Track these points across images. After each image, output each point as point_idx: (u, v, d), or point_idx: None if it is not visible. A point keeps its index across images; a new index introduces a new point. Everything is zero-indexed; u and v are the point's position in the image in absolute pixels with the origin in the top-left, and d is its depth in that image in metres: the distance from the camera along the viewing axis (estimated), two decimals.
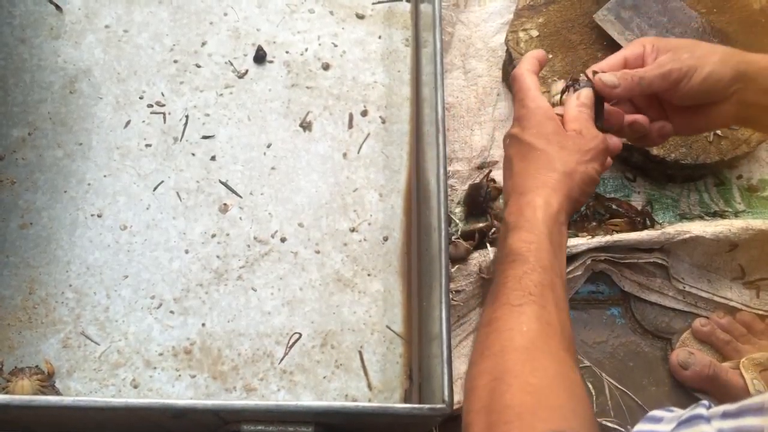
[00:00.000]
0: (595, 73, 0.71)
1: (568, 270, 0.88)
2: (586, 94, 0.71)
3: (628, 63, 0.72)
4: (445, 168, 0.83)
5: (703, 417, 0.44)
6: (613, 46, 0.97)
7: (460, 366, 0.84)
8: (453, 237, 0.93)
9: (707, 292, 0.90)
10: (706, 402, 0.46)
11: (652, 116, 0.73)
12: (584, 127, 0.68)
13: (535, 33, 1.00)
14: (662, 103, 0.74)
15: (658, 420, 0.48)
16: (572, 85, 0.72)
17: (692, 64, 0.68)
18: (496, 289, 0.61)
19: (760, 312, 0.89)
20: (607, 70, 0.71)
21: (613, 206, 0.93)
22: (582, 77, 0.72)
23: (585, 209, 0.92)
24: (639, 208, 0.94)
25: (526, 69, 0.72)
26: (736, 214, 0.95)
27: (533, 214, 0.63)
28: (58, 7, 1.05)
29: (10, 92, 0.99)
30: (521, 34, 1.01)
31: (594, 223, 0.91)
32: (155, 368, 0.87)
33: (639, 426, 0.48)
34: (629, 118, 0.73)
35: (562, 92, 0.73)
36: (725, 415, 0.43)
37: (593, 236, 0.89)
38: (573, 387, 0.54)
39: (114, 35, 1.04)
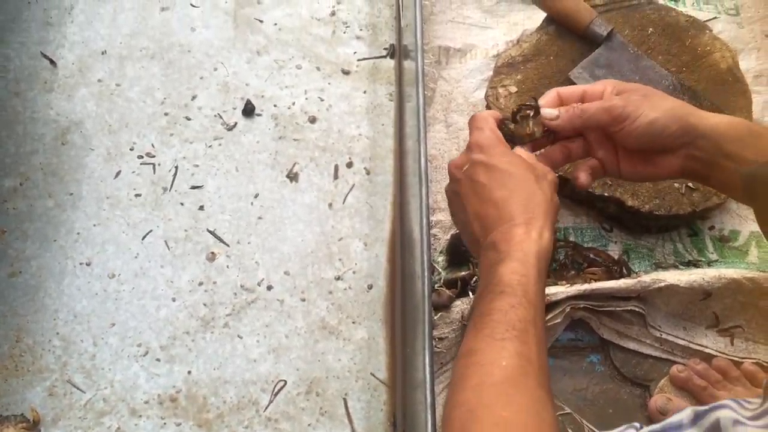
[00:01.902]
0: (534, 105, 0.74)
1: (548, 317, 0.90)
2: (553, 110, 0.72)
3: (586, 97, 0.74)
4: (428, 218, 0.85)
5: None
6: None
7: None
8: (436, 285, 0.95)
9: (684, 340, 0.93)
10: (636, 424, 0.47)
11: (602, 156, 0.74)
12: (536, 160, 0.70)
13: (513, 89, 1.05)
14: (614, 144, 0.74)
15: None
16: (522, 108, 0.74)
17: (639, 106, 0.69)
18: (479, 319, 0.60)
19: (735, 359, 0.91)
20: (565, 98, 0.73)
21: (591, 255, 0.96)
22: (531, 102, 0.74)
23: (564, 258, 0.95)
24: (616, 257, 0.97)
25: (486, 112, 0.73)
26: (709, 264, 0.98)
27: (529, 247, 0.62)
28: (52, 62, 1.08)
29: (2, 143, 1.02)
30: (500, 90, 1.05)
31: (573, 272, 0.94)
32: (140, 416, 0.87)
33: None
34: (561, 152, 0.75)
35: (513, 115, 0.74)
36: None
37: (572, 284, 0.92)
38: (543, 421, 0.54)
39: (106, 89, 1.07)
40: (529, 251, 0.62)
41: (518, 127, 0.74)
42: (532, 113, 0.73)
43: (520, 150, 0.71)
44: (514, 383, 0.55)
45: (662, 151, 0.70)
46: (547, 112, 0.72)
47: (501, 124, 0.73)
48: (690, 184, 0.96)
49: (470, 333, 0.60)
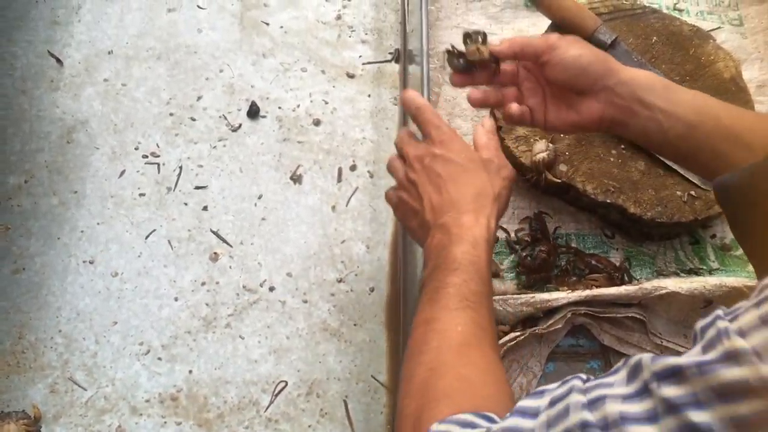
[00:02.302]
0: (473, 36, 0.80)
1: (549, 323, 0.91)
2: (490, 123, 0.80)
3: (522, 48, 0.81)
4: None
5: (577, 388, 0.46)
6: None
7: None
8: None
9: (684, 347, 0.93)
10: (582, 375, 0.48)
11: (532, 104, 0.82)
12: (495, 156, 0.77)
13: None
14: (543, 92, 0.81)
15: (540, 394, 0.50)
16: (472, 35, 0.80)
17: (571, 42, 0.77)
18: (435, 292, 0.66)
19: None
20: (504, 48, 0.81)
21: (593, 262, 0.96)
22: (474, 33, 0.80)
23: (566, 264, 0.95)
24: (617, 264, 0.97)
25: (422, 97, 0.81)
26: (711, 272, 0.99)
27: (479, 233, 0.69)
28: (58, 61, 1.08)
29: (8, 141, 1.02)
30: None
31: (574, 278, 0.94)
32: (141, 415, 0.87)
33: (522, 401, 0.50)
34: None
35: (464, 38, 0.81)
36: (589, 381, 0.46)
37: (573, 290, 0.92)
38: (499, 380, 0.60)
39: (112, 88, 1.07)
40: (479, 236, 0.69)
41: (468, 48, 0.80)
42: (480, 39, 0.80)
43: (481, 140, 0.78)
44: (471, 345, 0.62)
45: (585, 92, 0.77)
46: (494, 39, 0.81)
47: (452, 49, 0.81)
48: (692, 192, 0.97)
49: (426, 305, 0.66)
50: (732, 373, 0.38)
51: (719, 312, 0.42)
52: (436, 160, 0.75)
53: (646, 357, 0.43)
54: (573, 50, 0.77)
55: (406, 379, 0.62)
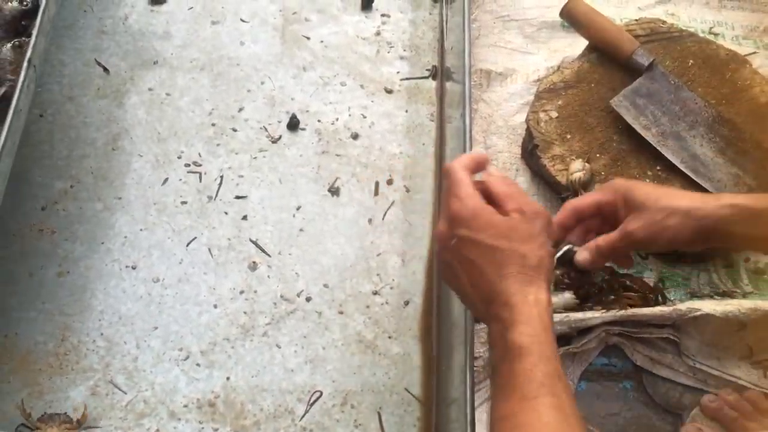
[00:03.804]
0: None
1: (583, 342, 0.91)
2: (496, 170, 0.76)
3: (601, 207, 0.82)
4: None
5: None
6: (629, 130, 1.03)
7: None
8: None
9: (717, 370, 0.93)
10: None
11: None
12: (523, 203, 0.70)
13: (554, 114, 1.06)
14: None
15: None
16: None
17: (655, 231, 0.77)
18: (505, 384, 0.64)
19: (767, 391, 0.92)
20: (579, 210, 0.83)
21: (627, 282, 0.96)
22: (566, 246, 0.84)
23: (601, 282, 0.96)
24: (651, 284, 0.98)
25: (460, 164, 0.73)
26: (744, 295, 0.99)
27: (529, 311, 0.65)
28: (105, 69, 1.11)
29: (55, 146, 1.05)
30: (541, 115, 1.06)
31: (612, 297, 0.94)
32: (179, 419, 0.89)
33: None
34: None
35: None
36: None
37: (608, 310, 0.93)
38: None
39: (157, 98, 1.10)
40: (530, 314, 0.65)
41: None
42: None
43: (501, 189, 0.73)
44: None
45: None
46: (582, 259, 0.83)
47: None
48: None
49: (499, 399, 0.64)
50: None
51: None
52: (464, 244, 0.69)
53: None
54: (662, 240, 0.78)
55: None
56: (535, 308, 0.66)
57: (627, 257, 0.86)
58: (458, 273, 0.71)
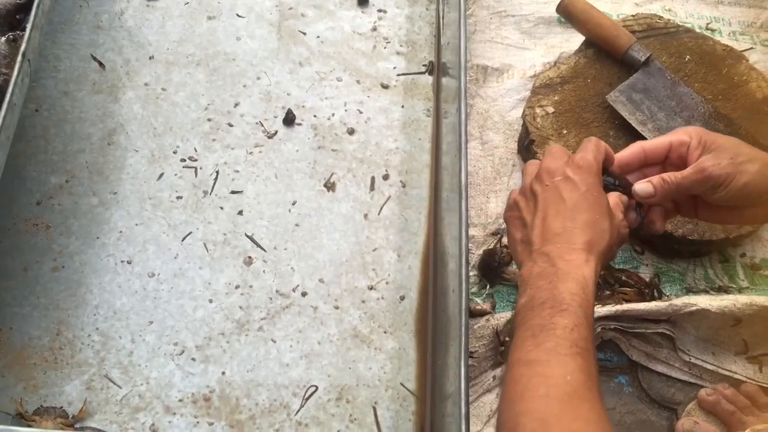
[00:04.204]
0: (621, 180, 0.75)
1: None
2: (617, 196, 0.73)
3: (672, 150, 0.75)
4: (467, 232, 0.86)
5: None
6: (625, 126, 1.03)
7: (472, 426, 0.86)
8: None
9: (712, 365, 0.93)
10: None
11: (682, 208, 0.78)
12: (620, 212, 0.72)
13: (551, 110, 1.06)
14: (696, 197, 0.77)
15: None
16: (608, 185, 0.74)
17: (731, 172, 0.71)
18: (539, 331, 0.62)
19: (764, 385, 0.92)
20: (649, 152, 0.75)
21: (623, 277, 0.97)
22: (611, 180, 0.75)
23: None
24: (647, 280, 0.98)
25: (604, 146, 0.74)
26: (740, 291, 0.99)
27: (588, 273, 0.64)
28: (101, 64, 1.11)
29: (51, 141, 1.04)
30: (538, 110, 1.06)
31: (608, 292, 0.94)
32: (174, 414, 0.89)
33: None
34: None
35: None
36: None
37: (603, 305, 0.93)
38: None
39: (152, 93, 1.10)
40: (588, 277, 0.64)
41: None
42: (620, 188, 0.74)
43: (612, 195, 0.73)
44: (581, 397, 0.57)
45: (748, 205, 0.73)
46: (643, 189, 0.74)
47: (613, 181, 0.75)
48: None
49: (529, 343, 0.62)
50: None
51: None
52: (567, 183, 0.69)
53: None
54: (736, 184, 0.71)
55: (509, 426, 0.59)
56: (593, 275, 0.65)
57: (689, 207, 0.78)
58: (537, 203, 0.70)
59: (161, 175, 1.04)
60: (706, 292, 0.99)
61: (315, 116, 1.11)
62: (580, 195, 0.68)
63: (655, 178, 0.73)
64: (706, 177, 0.71)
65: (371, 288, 0.99)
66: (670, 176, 0.73)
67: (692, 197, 0.77)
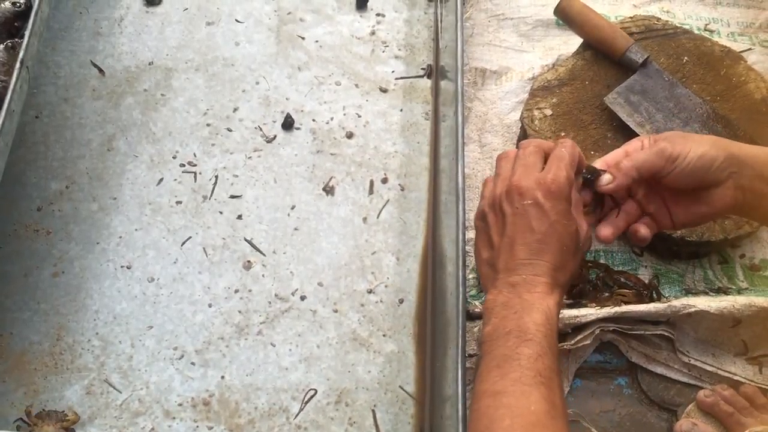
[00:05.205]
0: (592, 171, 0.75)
1: (578, 339, 0.91)
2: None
3: (628, 154, 0.75)
4: (464, 235, 0.87)
5: None
6: (623, 128, 1.03)
7: None
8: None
9: (712, 366, 0.93)
10: None
11: (651, 210, 0.77)
12: (582, 231, 0.72)
13: (549, 112, 1.06)
14: (663, 195, 0.77)
15: None
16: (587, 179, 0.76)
17: (685, 144, 0.72)
18: (504, 362, 0.64)
19: (763, 386, 0.92)
20: (609, 162, 0.75)
21: (622, 279, 0.96)
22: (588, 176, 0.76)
23: (595, 279, 0.96)
24: (646, 281, 0.98)
25: (577, 151, 0.74)
26: (739, 292, 0.99)
27: (551, 305, 0.66)
28: (101, 70, 1.12)
29: (51, 147, 1.05)
30: (536, 113, 1.06)
31: (606, 294, 0.94)
32: (174, 418, 0.89)
33: None
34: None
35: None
36: None
37: (602, 307, 0.92)
38: None
39: (152, 98, 1.10)
40: (552, 307, 0.66)
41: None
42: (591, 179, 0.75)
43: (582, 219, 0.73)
44: (544, 426, 0.60)
45: (711, 186, 0.72)
46: (603, 178, 0.74)
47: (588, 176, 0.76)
48: None
49: (494, 373, 0.64)
50: None
51: None
52: (536, 209, 0.69)
53: None
54: (693, 153, 0.71)
55: None
56: (555, 306, 0.67)
57: (663, 213, 0.77)
58: (505, 227, 0.70)
59: (161, 180, 1.04)
60: (706, 293, 0.98)
61: (314, 120, 1.11)
62: (549, 225, 0.68)
63: (612, 167, 0.74)
64: (661, 149, 0.72)
65: (370, 291, 0.99)
66: (628, 159, 0.74)
67: (662, 202, 0.77)
